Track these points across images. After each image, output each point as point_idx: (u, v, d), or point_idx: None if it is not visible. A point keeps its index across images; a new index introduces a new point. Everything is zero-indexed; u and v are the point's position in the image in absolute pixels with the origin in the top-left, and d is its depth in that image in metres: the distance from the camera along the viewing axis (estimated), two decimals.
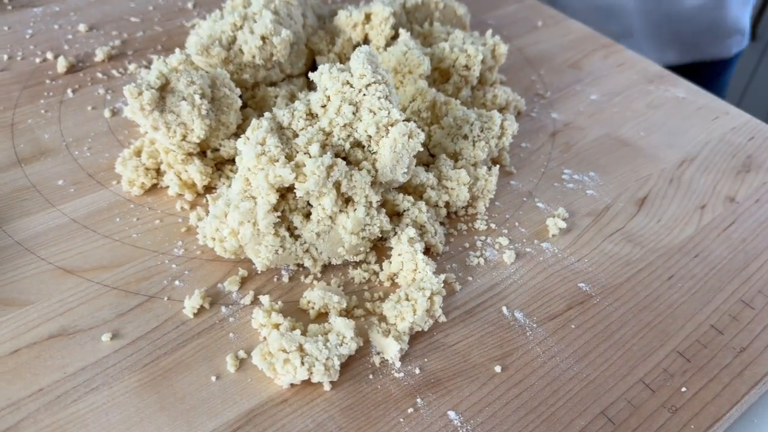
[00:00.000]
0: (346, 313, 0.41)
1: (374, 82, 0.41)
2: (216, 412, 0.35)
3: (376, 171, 0.42)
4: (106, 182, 0.48)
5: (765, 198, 0.51)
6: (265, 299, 0.40)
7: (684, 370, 0.39)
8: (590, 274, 0.44)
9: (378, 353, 0.38)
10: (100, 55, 0.61)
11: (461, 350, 0.39)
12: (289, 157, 0.40)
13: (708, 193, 0.51)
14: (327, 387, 0.36)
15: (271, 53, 0.52)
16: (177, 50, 0.48)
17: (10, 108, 0.55)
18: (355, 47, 0.56)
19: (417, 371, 0.38)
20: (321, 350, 0.36)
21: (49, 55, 0.61)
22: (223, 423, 0.34)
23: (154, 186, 0.48)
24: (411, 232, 0.43)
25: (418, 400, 0.36)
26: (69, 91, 0.57)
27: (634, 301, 0.43)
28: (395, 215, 0.45)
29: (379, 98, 0.41)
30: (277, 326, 0.38)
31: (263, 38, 0.51)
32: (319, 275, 0.43)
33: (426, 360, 0.38)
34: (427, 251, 0.45)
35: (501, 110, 0.56)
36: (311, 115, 0.42)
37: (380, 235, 0.44)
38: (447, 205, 0.47)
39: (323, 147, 0.41)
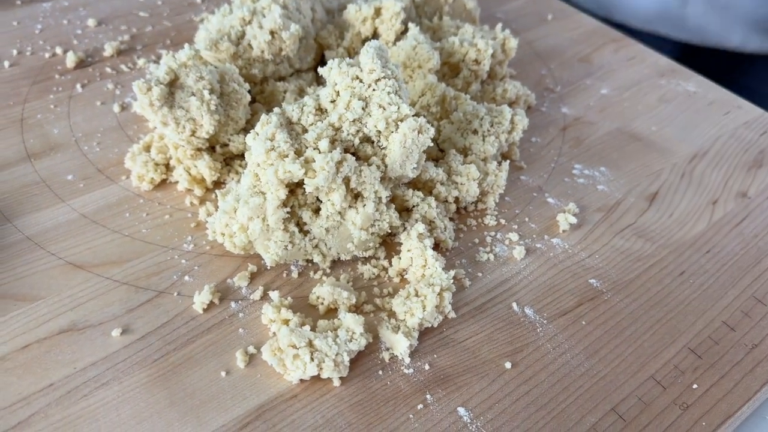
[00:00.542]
0: (356, 308, 0.40)
1: (384, 77, 0.41)
2: (226, 407, 0.35)
3: (386, 166, 0.42)
4: (116, 177, 0.48)
5: None
6: (274, 295, 0.40)
7: (695, 366, 0.39)
8: (601, 270, 0.44)
9: (387, 349, 0.38)
10: (109, 50, 0.61)
11: (471, 346, 0.39)
12: (299, 153, 0.40)
13: (720, 189, 0.51)
14: (336, 383, 0.36)
15: (280, 48, 0.51)
16: (186, 45, 0.48)
17: (19, 103, 0.55)
18: (364, 41, 0.56)
19: (426, 367, 0.38)
20: (330, 346, 0.36)
21: (59, 50, 0.61)
22: (233, 418, 0.35)
23: (164, 181, 0.48)
24: (420, 227, 0.42)
25: (428, 396, 0.36)
26: (78, 86, 0.57)
27: (645, 297, 0.42)
28: (404, 211, 0.45)
29: (388, 93, 0.41)
30: (286, 322, 0.38)
31: (272, 33, 0.51)
32: (328, 271, 0.43)
33: (435, 356, 0.38)
34: (437, 247, 0.45)
35: (511, 105, 0.55)
36: (320, 111, 0.42)
37: (389, 231, 0.44)
38: (456, 200, 0.47)
39: (332, 142, 0.40)
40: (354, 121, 0.41)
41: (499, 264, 0.44)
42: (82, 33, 0.64)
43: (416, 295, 0.40)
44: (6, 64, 0.59)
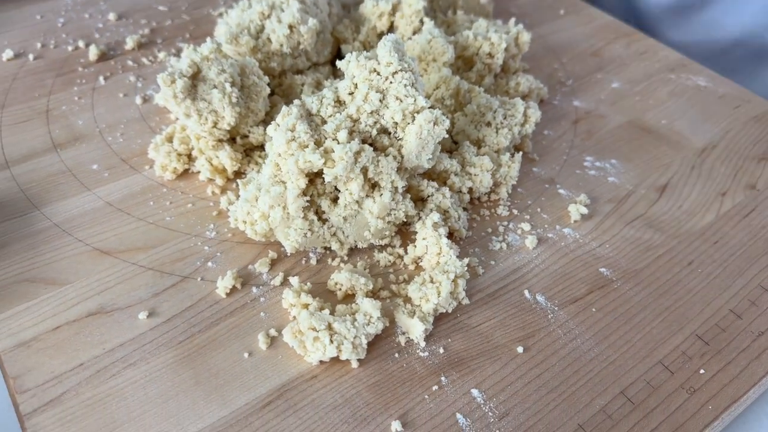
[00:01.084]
0: (372, 294, 0.42)
1: (400, 70, 0.42)
2: (249, 386, 0.36)
3: (402, 157, 0.43)
4: (139, 167, 0.50)
5: None
6: (294, 280, 0.41)
7: (702, 352, 0.40)
8: (611, 259, 0.45)
9: (403, 333, 0.40)
10: (130, 43, 0.62)
11: (484, 331, 0.40)
12: (318, 143, 0.41)
13: (729, 181, 0.52)
14: (355, 364, 0.38)
15: (298, 42, 0.53)
16: (208, 39, 0.49)
17: (45, 95, 0.57)
18: (379, 36, 0.57)
19: (441, 351, 0.39)
20: (349, 329, 0.37)
21: (81, 44, 0.63)
22: (256, 397, 0.36)
23: (186, 171, 0.50)
24: (435, 216, 0.44)
25: (443, 378, 0.38)
26: (101, 78, 0.59)
27: (654, 286, 0.44)
28: (420, 200, 0.46)
29: (405, 86, 0.42)
30: (306, 306, 0.39)
31: (290, 27, 0.52)
32: (345, 258, 0.44)
33: (450, 340, 0.40)
34: (451, 236, 0.46)
35: (524, 98, 0.56)
36: (339, 103, 0.44)
37: (405, 220, 0.45)
38: (470, 191, 0.48)
39: (351, 133, 0.42)
40: (372, 112, 0.42)
41: (511, 253, 0.45)
42: (103, 26, 0.65)
43: (431, 281, 0.41)
44: (31, 57, 0.61)
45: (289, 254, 0.44)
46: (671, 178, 0.52)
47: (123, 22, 0.66)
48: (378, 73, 0.43)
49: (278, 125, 0.42)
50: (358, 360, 0.38)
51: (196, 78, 0.47)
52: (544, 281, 0.43)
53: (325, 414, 0.36)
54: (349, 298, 0.42)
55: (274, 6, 0.52)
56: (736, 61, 0.76)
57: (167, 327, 0.39)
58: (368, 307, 0.39)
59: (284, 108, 0.42)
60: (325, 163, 0.40)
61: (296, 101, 0.43)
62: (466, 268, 0.42)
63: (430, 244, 0.43)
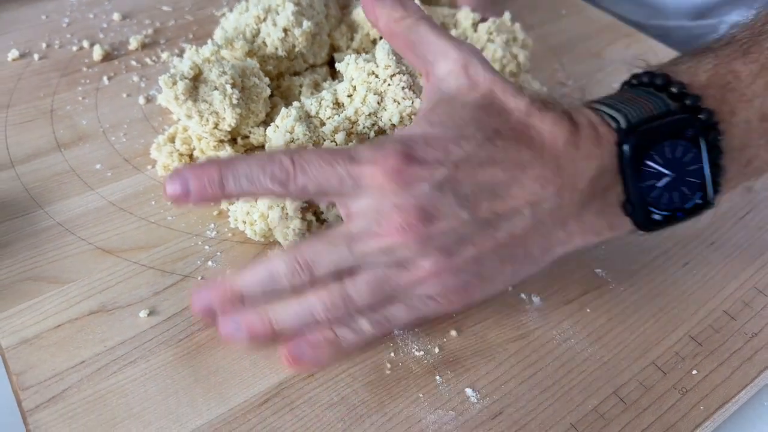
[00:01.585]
0: None
1: (398, 73, 0.43)
2: (247, 384, 0.37)
3: None
4: (142, 167, 0.50)
5: None
6: None
7: (695, 353, 0.41)
8: (606, 259, 0.46)
9: (398, 335, 0.40)
10: (133, 43, 0.63)
11: (479, 331, 0.41)
12: (317, 144, 0.42)
13: None
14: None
15: (293, 45, 0.53)
16: (209, 41, 0.50)
17: (49, 95, 0.57)
18: (373, 42, 0.58)
19: (436, 350, 0.40)
20: None
21: (85, 44, 0.63)
22: (254, 394, 0.37)
23: None
24: None
25: (437, 377, 0.38)
26: (105, 78, 0.59)
27: (649, 287, 0.44)
28: None
29: (402, 88, 0.43)
30: None
31: (285, 30, 0.52)
32: None
33: (445, 340, 0.40)
34: None
35: None
36: (338, 104, 0.44)
37: None
38: None
39: (349, 135, 0.42)
40: (369, 114, 0.43)
41: None
42: (107, 27, 0.66)
43: None
44: (36, 57, 0.62)
45: None
46: None
47: (127, 22, 0.67)
48: (376, 76, 0.43)
49: (277, 127, 0.43)
50: (354, 359, 0.39)
51: (197, 80, 0.47)
52: (539, 282, 0.44)
53: (321, 412, 0.36)
54: None
55: (270, 9, 0.53)
56: None
57: (167, 325, 0.40)
58: None
59: (283, 110, 0.43)
60: None
61: (295, 103, 0.44)
62: None
63: None
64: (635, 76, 0.38)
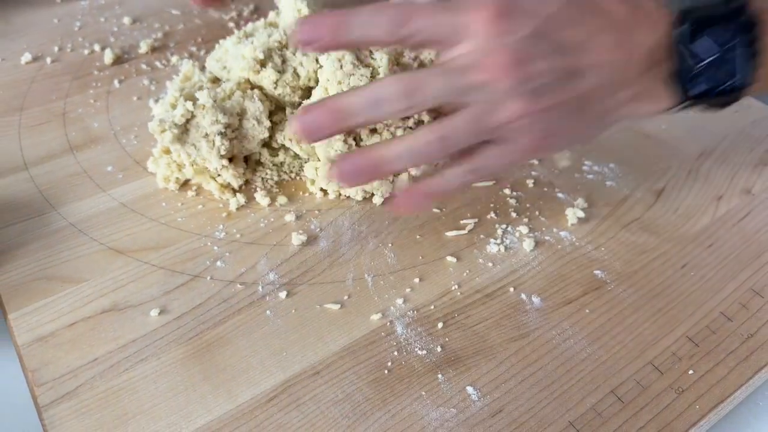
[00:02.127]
0: None
1: None
2: (254, 382, 0.38)
3: None
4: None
5: None
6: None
7: (692, 354, 0.41)
8: (606, 261, 0.46)
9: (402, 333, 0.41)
10: (143, 47, 0.64)
11: (480, 331, 0.42)
12: (365, 73, 0.47)
13: (725, 185, 0.53)
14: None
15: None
16: (205, 90, 0.48)
17: (61, 98, 0.59)
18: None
19: (439, 349, 0.41)
20: None
21: (97, 47, 0.65)
22: (261, 392, 0.38)
23: (188, 181, 0.51)
24: None
25: (440, 375, 0.39)
26: (116, 82, 0.61)
27: (647, 288, 0.45)
28: None
29: None
30: None
31: (317, 60, 0.51)
32: None
33: (447, 339, 0.41)
34: None
35: None
36: None
37: None
38: None
39: (394, 65, 0.47)
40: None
41: (509, 255, 0.47)
42: (118, 30, 0.68)
43: None
44: (48, 60, 0.63)
45: (296, 253, 0.46)
46: (668, 183, 0.53)
47: (137, 26, 0.68)
48: None
49: (329, 54, 0.46)
50: (358, 358, 0.40)
51: (189, 122, 0.48)
52: (539, 283, 0.45)
53: (327, 409, 0.37)
54: None
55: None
56: None
57: (177, 324, 0.41)
58: None
59: None
60: None
61: None
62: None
63: None
64: None
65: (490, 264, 0.46)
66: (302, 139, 0.39)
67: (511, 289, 0.44)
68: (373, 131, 0.48)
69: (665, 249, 0.48)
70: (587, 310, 0.43)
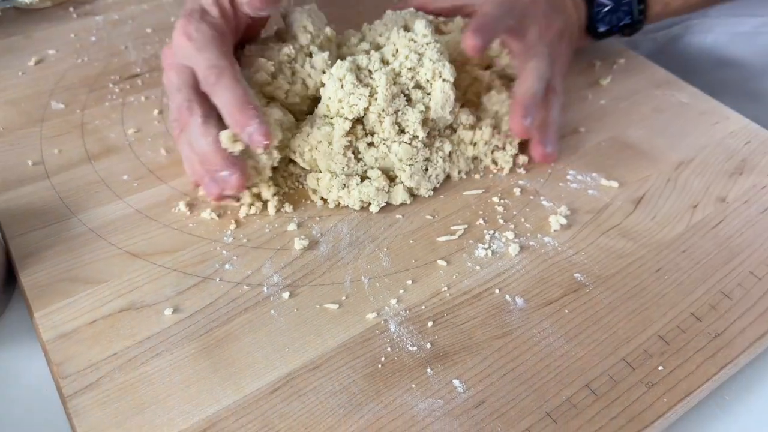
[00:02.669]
0: None
1: (433, 41, 0.53)
2: (259, 374, 0.42)
3: (428, 109, 0.53)
4: (165, 178, 0.55)
5: (753, 199, 0.56)
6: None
7: (662, 351, 0.45)
8: (585, 265, 0.50)
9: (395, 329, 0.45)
10: (155, 61, 0.68)
11: (467, 329, 0.45)
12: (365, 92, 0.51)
13: (701, 194, 0.56)
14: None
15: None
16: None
17: (79, 110, 0.63)
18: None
19: (428, 346, 0.44)
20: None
21: (112, 61, 0.68)
22: (265, 383, 0.42)
23: None
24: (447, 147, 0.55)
25: (428, 370, 0.43)
26: (129, 94, 0.64)
27: (623, 290, 0.48)
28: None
29: (436, 52, 0.53)
30: None
31: (324, 72, 0.55)
32: None
33: (436, 337, 0.45)
34: None
35: None
36: (384, 62, 0.54)
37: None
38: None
39: (393, 83, 0.52)
40: (410, 68, 0.52)
41: (495, 259, 0.50)
42: (132, 45, 0.71)
43: None
44: (66, 73, 0.67)
45: (298, 257, 0.50)
46: (647, 191, 0.56)
47: (149, 40, 0.72)
48: (415, 41, 0.54)
49: (331, 74, 0.51)
50: (354, 354, 0.43)
51: None
52: (523, 285, 0.48)
53: (325, 399, 0.41)
54: None
55: (302, 48, 0.56)
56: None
57: (189, 322, 0.45)
58: None
59: (338, 62, 0.52)
60: (366, 108, 0.51)
61: (349, 58, 0.53)
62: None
63: None
64: None
65: (478, 267, 0.50)
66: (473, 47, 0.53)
67: (497, 291, 0.48)
68: (371, 144, 0.52)
69: (641, 254, 0.51)
70: (566, 311, 0.47)
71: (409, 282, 0.48)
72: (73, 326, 0.45)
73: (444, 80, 0.52)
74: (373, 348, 0.44)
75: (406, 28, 0.57)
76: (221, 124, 0.50)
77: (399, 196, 0.53)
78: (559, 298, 0.48)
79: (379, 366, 0.43)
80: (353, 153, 0.53)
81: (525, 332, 0.45)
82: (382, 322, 0.46)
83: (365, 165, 0.53)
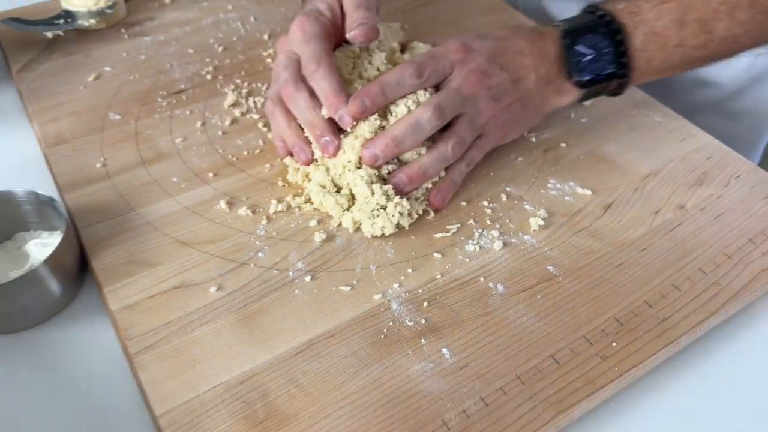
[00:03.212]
0: None
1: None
2: (286, 340, 0.52)
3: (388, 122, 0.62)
4: (208, 181, 0.66)
5: (709, 207, 0.65)
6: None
7: (617, 331, 0.54)
8: (557, 259, 0.60)
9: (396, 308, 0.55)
10: (198, 78, 0.79)
11: (456, 309, 0.55)
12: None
13: (663, 201, 0.66)
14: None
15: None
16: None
17: (133, 120, 0.73)
18: None
19: (423, 322, 0.54)
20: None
21: (160, 77, 0.79)
22: (291, 347, 0.52)
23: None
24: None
25: (422, 340, 0.53)
26: (176, 107, 0.75)
27: (587, 281, 0.58)
28: None
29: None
30: None
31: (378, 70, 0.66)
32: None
33: (430, 314, 0.55)
34: None
35: None
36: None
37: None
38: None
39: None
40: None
41: (482, 253, 0.60)
42: (176, 63, 0.82)
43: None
44: (121, 88, 0.78)
45: (318, 247, 0.60)
46: (616, 198, 0.66)
47: (191, 59, 0.83)
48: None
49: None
50: (362, 328, 0.53)
51: None
52: (504, 274, 0.58)
53: (338, 360, 0.51)
54: None
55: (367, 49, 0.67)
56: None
57: (230, 298, 0.55)
58: None
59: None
60: None
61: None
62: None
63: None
64: (586, 6, 0.67)
65: (467, 260, 0.59)
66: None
67: (482, 279, 0.58)
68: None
69: (606, 251, 0.61)
70: (539, 296, 0.57)
71: (409, 270, 0.58)
72: (136, 300, 0.55)
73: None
74: (378, 322, 0.54)
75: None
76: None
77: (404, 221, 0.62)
78: (534, 285, 0.58)
79: (383, 336, 0.53)
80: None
81: (503, 312, 0.55)
82: (386, 301, 0.56)
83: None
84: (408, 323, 0.54)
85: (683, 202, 0.66)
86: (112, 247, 0.59)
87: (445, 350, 0.52)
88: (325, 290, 0.56)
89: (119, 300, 0.55)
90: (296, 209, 0.63)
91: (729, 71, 0.92)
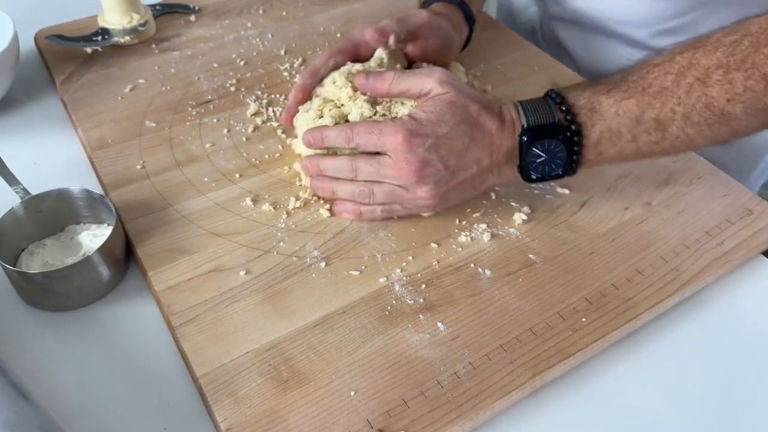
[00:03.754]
0: None
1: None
2: (305, 315, 0.62)
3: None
4: (235, 181, 0.75)
5: (673, 204, 0.74)
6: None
7: (587, 309, 0.64)
8: (538, 249, 0.69)
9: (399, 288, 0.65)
10: (222, 90, 0.88)
11: (450, 290, 0.65)
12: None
13: (632, 199, 0.75)
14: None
15: None
16: None
17: (167, 127, 0.83)
18: None
19: (421, 301, 0.64)
20: None
21: (189, 89, 0.89)
22: (310, 321, 0.61)
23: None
24: None
25: (421, 316, 0.62)
26: (205, 116, 0.85)
27: (563, 267, 0.67)
28: None
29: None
30: None
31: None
32: None
33: (427, 294, 0.64)
34: None
35: None
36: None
37: None
38: None
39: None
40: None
41: (473, 243, 0.69)
42: (203, 76, 0.92)
43: None
44: (154, 99, 0.87)
45: (333, 237, 0.69)
46: (592, 197, 0.75)
47: (216, 72, 0.92)
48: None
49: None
50: (368, 304, 0.63)
51: None
52: (491, 261, 0.68)
53: (349, 333, 0.61)
54: None
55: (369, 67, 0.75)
56: None
57: (257, 281, 0.65)
58: None
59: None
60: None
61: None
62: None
63: None
64: (550, 90, 0.67)
65: (460, 249, 0.69)
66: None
67: (472, 265, 0.67)
68: None
69: (580, 242, 0.70)
70: (520, 279, 0.66)
71: (410, 258, 0.68)
72: (176, 281, 0.65)
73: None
74: (383, 301, 0.64)
75: None
76: None
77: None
78: (517, 270, 0.67)
79: (387, 313, 0.63)
80: None
81: (490, 293, 0.65)
82: (390, 284, 0.65)
83: None
84: (408, 302, 0.64)
85: (650, 199, 0.75)
86: (154, 237, 0.69)
87: (440, 324, 0.62)
88: (337, 274, 0.66)
89: (162, 282, 0.65)
90: (312, 205, 0.73)
91: None
